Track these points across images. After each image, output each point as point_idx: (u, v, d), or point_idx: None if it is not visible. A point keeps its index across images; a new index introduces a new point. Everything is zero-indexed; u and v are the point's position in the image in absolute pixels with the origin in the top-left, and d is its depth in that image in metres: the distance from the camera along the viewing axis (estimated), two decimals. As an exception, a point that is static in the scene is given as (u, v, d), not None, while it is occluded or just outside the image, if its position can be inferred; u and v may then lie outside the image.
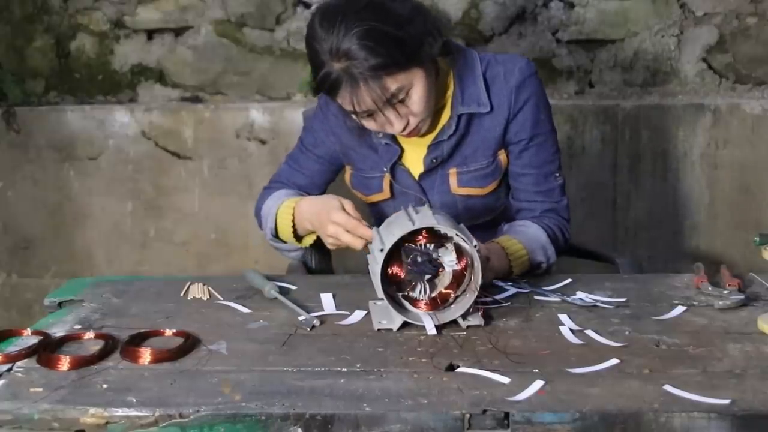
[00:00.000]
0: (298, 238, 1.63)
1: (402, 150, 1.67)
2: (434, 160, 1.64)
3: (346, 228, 1.43)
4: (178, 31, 2.73)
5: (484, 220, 1.69)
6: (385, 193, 1.69)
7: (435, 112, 1.61)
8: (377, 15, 1.45)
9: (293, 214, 1.60)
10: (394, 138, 1.65)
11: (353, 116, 1.56)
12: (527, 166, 1.66)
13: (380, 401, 1.03)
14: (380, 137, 1.66)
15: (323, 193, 1.78)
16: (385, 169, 1.68)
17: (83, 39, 2.76)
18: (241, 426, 1.00)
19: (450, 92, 1.63)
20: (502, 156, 1.66)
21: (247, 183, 2.69)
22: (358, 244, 1.43)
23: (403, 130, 1.55)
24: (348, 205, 1.46)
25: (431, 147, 1.64)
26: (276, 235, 1.67)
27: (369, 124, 1.57)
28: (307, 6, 2.67)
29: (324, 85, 1.50)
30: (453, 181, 1.66)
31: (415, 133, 1.59)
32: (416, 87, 1.50)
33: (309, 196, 1.66)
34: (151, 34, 2.75)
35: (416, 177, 1.67)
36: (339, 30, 1.44)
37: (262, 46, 2.71)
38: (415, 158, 1.67)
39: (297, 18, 2.68)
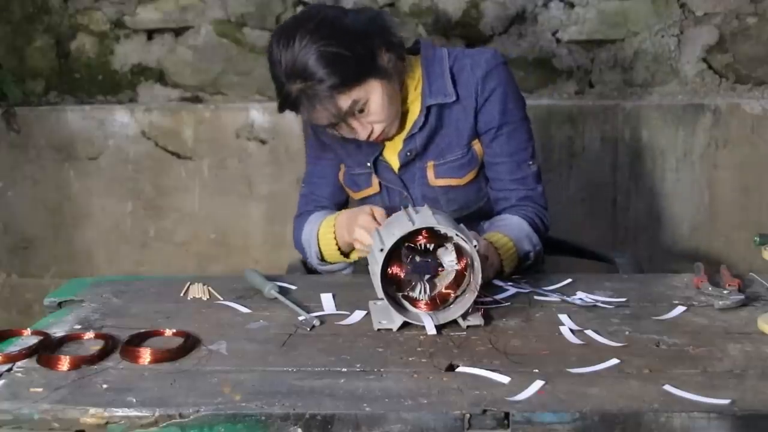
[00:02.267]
0: (345, 254, 1.65)
1: (383, 145, 1.70)
2: (408, 154, 1.67)
3: (369, 230, 1.45)
4: (178, 31, 2.73)
5: (470, 211, 1.71)
6: (374, 188, 1.72)
7: (405, 110, 1.66)
8: (328, 34, 1.51)
9: (334, 232, 1.62)
10: None
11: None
12: (499, 155, 1.68)
13: (380, 401, 1.03)
14: None
15: (348, 197, 1.82)
16: (368, 164, 1.71)
17: (83, 39, 2.76)
18: (241, 426, 1.00)
19: (419, 89, 1.67)
20: (477, 146, 1.68)
21: (247, 183, 2.69)
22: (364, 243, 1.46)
23: (368, 137, 1.61)
24: (378, 212, 1.50)
25: (405, 141, 1.68)
26: (323, 258, 1.69)
27: (338, 132, 1.62)
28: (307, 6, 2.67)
29: (285, 104, 1.58)
30: (430, 173, 1.68)
31: (383, 137, 1.64)
32: (373, 97, 1.56)
33: (345, 210, 1.68)
34: (151, 34, 2.75)
35: (396, 171, 1.70)
36: (292, 51, 1.51)
37: (262, 46, 2.71)
38: (393, 153, 1.70)
39: (297, 18, 2.68)
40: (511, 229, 1.61)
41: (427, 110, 1.65)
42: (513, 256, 1.56)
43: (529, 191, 1.69)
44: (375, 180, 1.72)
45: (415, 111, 1.67)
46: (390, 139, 1.67)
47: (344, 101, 1.53)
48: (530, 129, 1.72)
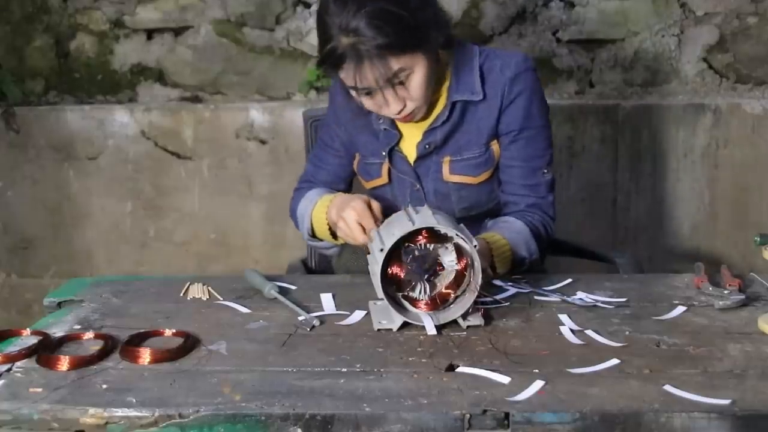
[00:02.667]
0: (335, 235, 1.65)
1: (401, 135, 1.70)
2: (427, 146, 1.67)
3: (359, 217, 1.48)
4: (178, 31, 2.73)
5: (478, 212, 1.70)
6: (383, 178, 1.72)
7: (431, 101, 1.65)
8: None
9: (326, 212, 1.63)
10: (393, 124, 1.68)
11: (353, 92, 1.59)
12: (515, 159, 1.67)
13: (380, 401, 1.03)
14: (380, 123, 1.69)
15: (349, 187, 1.84)
16: (383, 154, 1.70)
17: (83, 39, 2.76)
18: (241, 426, 1.00)
19: (447, 83, 1.66)
20: (495, 147, 1.67)
21: (246, 183, 2.69)
22: (358, 235, 1.49)
23: (399, 113, 1.59)
24: (375, 204, 1.52)
25: (426, 133, 1.67)
26: (313, 234, 1.71)
27: (367, 102, 1.60)
28: (307, 6, 2.67)
29: (329, 59, 1.53)
30: (446, 168, 1.68)
31: (410, 118, 1.62)
32: (417, 71, 1.55)
33: (341, 194, 1.68)
34: (150, 33, 2.75)
35: (411, 163, 1.70)
36: (351, 7, 1.48)
37: (262, 45, 2.71)
38: (411, 144, 1.70)
39: (297, 18, 2.68)
40: (511, 232, 1.61)
41: (452, 105, 1.65)
42: (506, 258, 1.56)
43: (539, 199, 1.68)
44: (385, 170, 1.71)
45: (440, 104, 1.67)
46: (416, 122, 1.66)
47: (392, 64, 1.51)
48: (550, 137, 1.71)
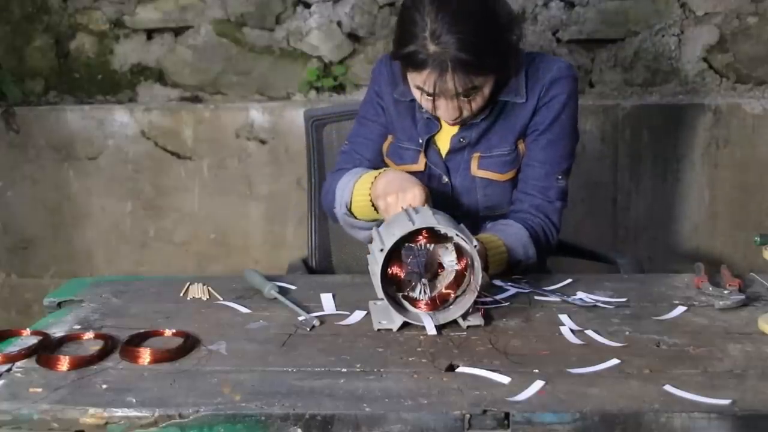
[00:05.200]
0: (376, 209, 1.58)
1: (440, 127, 1.69)
2: (462, 140, 1.67)
3: (414, 203, 1.43)
4: (178, 31, 2.73)
5: (501, 212, 1.69)
6: (420, 166, 1.70)
7: None
8: (486, 16, 1.52)
9: (371, 186, 1.56)
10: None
11: (417, 92, 1.59)
12: (533, 159, 1.67)
13: (380, 401, 1.03)
14: (423, 111, 1.68)
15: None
16: (421, 142, 1.70)
17: (83, 39, 2.76)
18: (241, 426, 1.00)
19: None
20: (521, 145, 1.68)
21: (246, 183, 2.69)
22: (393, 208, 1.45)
23: (454, 119, 1.61)
24: (429, 199, 1.47)
25: (463, 128, 1.67)
26: (350, 210, 1.63)
27: (425, 103, 1.60)
28: (307, 6, 2.67)
29: (409, 59, 1.54)
30: (474, 164, 1.67)
31: (459, 123, 1.64)
32: (485, 90, 1.57)
33: (397, 170, 1.62)
34: (150, 33, 2.75)
35: (443, 156, 1.69)
36: (446, 16, 1.48)
37: (262, 45, 2.71)
38: (446, 137, 1.70)
39: (297, 18, 2.68)
40: (508, 235, 1.60)
41: (494, 104, 1.65)
42: (501, 260, 1.54)
43: (545, 202, 1.66)
44: (422, 159, 1.70)
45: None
46: (464, 124, 1.67)
47: (467, 82, 1.52)
48: (574, 148, 1.71)
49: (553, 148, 1.66)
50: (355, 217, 1.62)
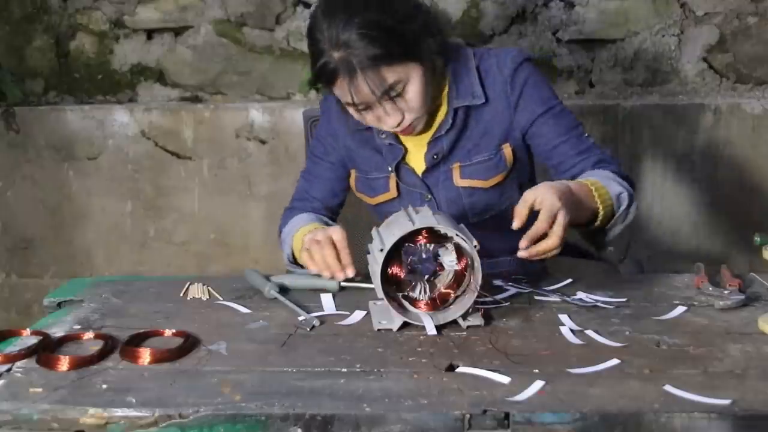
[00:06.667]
0: None
1: (406, 149, 1.67)
2: (435, 157, 1.65)
3: (321, 247, 1.47)
4: (178, 31, 2.73)
5: (493, 213, 1.68)
6: (392, 193, 1.69)
7: (431, 111, 1.63)
8: (378, 7, 1.48)
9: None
10: (397, 138, 1.66)
11: (350, 109, 1.57)
12: (555, 136, 1.63)
13: (380, 401, 1.03)
14: (383, 138, 1.66)
15: (343, 201, 1.81)
16: (390, 169, 1.68)
17: (83, 39, 2.76)
18: (241, 426, 1.00)
19: (446, 90, 1.64)
20: (506, 150, 1.64)
21: (246, 183, 2.69)
22: (310, 264, 1.48)
23: (398, 125, 1.57)
24: (338, 233, 1.49)
25: (430, 144, 1.65)
26: (294, 261, 1.69)
27: (364, 117, 1.58)
28: (307, 6, 2.67)
29: (322, 75, 1.52)
30: (456, 174, 1.65)
31: (410, 130, 1.60)
32: (412, 82, 1.53)
33: (322, 226, 1.65)
34: (150, 33, 2.75)
35: (420, 174, 1.68)
36: (340, 20, 1.46)
37: (262, 45, 2.71)
38: (417, 156, 1.68)
39: (297, 18, 2.68)
40: (595, 175, 1.52)
41: (455, 112, 1.62)
42: (606, 196, 1.46)
43: (600, 156, 1.61)
44: (393, 185, 1.69)
45: (442, 112, 1.64)
46: (417, 134, 1.63)
47: (386, 76, 1.49)
48: (573, 114, 1.68)
49: (563, 119, 1.64)
50: (300, 266, 1.64)
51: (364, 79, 1.47)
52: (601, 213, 1.45)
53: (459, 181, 1.65)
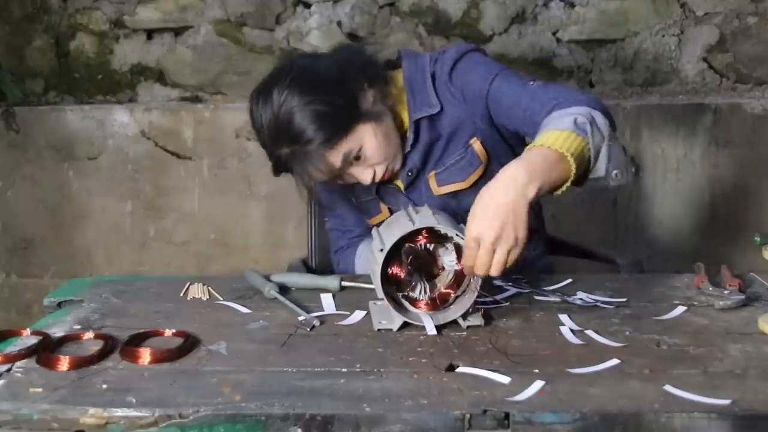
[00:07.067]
0: None
1: None
2: (410, 173, 1.63)
3: None
4: (178, 31, 2.73)
5: None
6: (384, 213, 1.68)
7: (401, 143, 1.60)
8: (305, 90, 1.47)
9: None
10: None
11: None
12: (510, 105, 1.51)
13: (380, 401, 1.03)
14: None
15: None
16: (373, 194, 1.67)
17: (83, 39, 2.76)
18: (241, 426, 1.00)
19: (405, 104, 1.61)
20: (476, 144, 1.60)
21: (246, 183, 2.69)
22: None
23: (373, 180, 1.57)
24: None
25: (403, 166, 1.63)
26: None
27: (341, 183, 1.60)
28: (307, 6, 2.67)
29: (279, 168, 1.55)
30: (433, 183, 1.63)
31: (389, 175, 1.59)
32: (367, 143, 1.52)
33: None
34: (150, 33, 2.75)
35: (404, 191, 1.66)
36: (272, 113, 1.48)
37: (262, 45, 2.71)
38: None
39: (297, 18, 2.68)
40: (546, 126, 1.34)
41: (416, 125, 1.59)
42: (562, 137, 1.26)
43: (554, 100, 1.43)
44: (383, 206, 1.68)
45: (406, 127, 1.62)
46: (397, 170, 1.61)
47: (336, 156, 1.49)
48: (516, 72, 1.58)
49: (511, 81, 1.53)
50: None
51: (315, 167, 1.49)
52: (569, 152, 1.25)
53: (437, 189, 1.63)
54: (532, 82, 1.52)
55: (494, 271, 1.22)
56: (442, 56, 1.61)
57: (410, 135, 1.60)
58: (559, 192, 1.28)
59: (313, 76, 1.50)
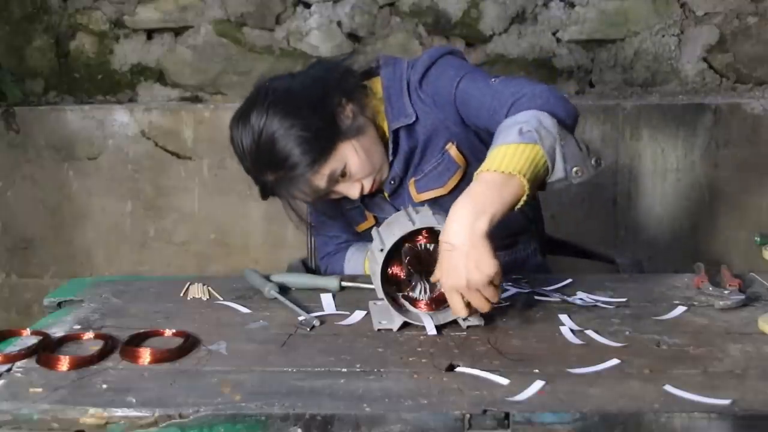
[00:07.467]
0: None
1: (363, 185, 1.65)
2: (393, 182, 1.62)
3: None
4: (178, 31, 2.73)
5: None
6: (370, 221, 1.68)
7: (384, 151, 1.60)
8: (282, 114, 1.47)
9: None
10: None
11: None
12: (476, 106, 1.49)
13: (380, 401, 1.03)
14: None
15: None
16: (357, 203, 1.67)
17: (83, 39, 2.76)
18: (241, 426, 1.00)
19: (383, 113, 1.60)
20: (452, 149, 1.58)
21: (246, 183, 2.65)
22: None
23: (361, 193, 1.57)
24: None
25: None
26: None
27: (330, 199, 1.60)
28: (307, 6, 2.67)
29: (266, 192, 1.57)
30: (413, 191, 1.62)
31: (377, 186, 1.59)
32: (350, 158, 1.52)
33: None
34: (150, 33, 2.75)
35: (389, 199, 1.65)
36: (252, 141, 1.49)
37: (262, 45, 2.71)
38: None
39: (297, 18, 2.68)
40: (495, 143, 1.30)
41: (395, 134, 1.59)
42: (506, 151, 1.24)
43: (512, 98, 1.40)
44: (368, 214, 1.68)
45: (387, 136, 1.61)
46: (384, 179, 1.60)
47: (320, 179, 1.50)
48: (485, 73, 1.55)
49: (476, 81, 1.51)
50: None
51: (301, 190, 1.51)
52: (516, 170, 1.22)
53: (417, 197, 1.61)
54: (494, 80, 1.50)
55: (488, 308, 1.23)
56: (416, 62, 1.60)
57: (390, 145, 1.60)
58: (518, 206, 1.24)
59: (290, 97, 1.50)
